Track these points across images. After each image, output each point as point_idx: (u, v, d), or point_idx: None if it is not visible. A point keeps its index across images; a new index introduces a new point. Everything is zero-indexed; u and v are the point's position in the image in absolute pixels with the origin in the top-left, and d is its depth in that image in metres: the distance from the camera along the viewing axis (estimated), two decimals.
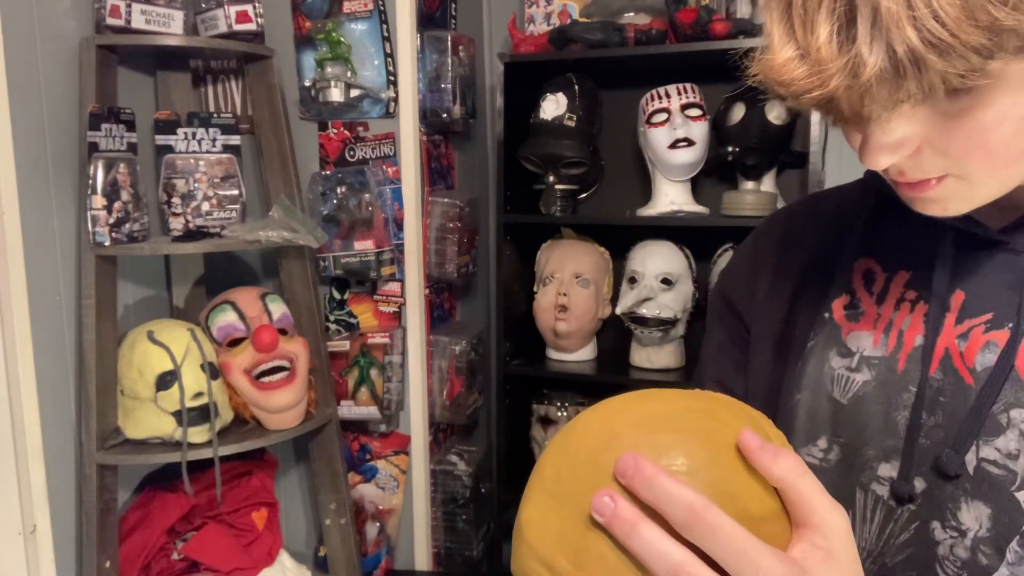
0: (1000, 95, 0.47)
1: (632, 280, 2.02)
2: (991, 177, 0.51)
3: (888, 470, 0.58)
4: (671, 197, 1.96)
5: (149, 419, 1.51)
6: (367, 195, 1.80)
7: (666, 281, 1.97)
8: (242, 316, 1.60)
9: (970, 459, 0.55)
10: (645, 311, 1.94)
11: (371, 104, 1.82)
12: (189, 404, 1.50)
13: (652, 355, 2.03)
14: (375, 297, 1.89)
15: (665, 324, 1.96)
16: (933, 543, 0.56)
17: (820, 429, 0.62)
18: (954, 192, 0.52)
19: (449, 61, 1.88)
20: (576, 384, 2.23)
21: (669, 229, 2.05)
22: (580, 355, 2.14)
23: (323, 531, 1.85)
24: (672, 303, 1.96)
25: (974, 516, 0.55)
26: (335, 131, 1.85)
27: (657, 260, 1.99)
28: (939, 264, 0.59)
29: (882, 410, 0.59)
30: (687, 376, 2.01)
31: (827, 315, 0.64)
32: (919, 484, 0.57)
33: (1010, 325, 0.56)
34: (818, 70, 0.45)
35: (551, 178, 2.03)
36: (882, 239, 0.64)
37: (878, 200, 0.65)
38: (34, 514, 1.40)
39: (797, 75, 0.46)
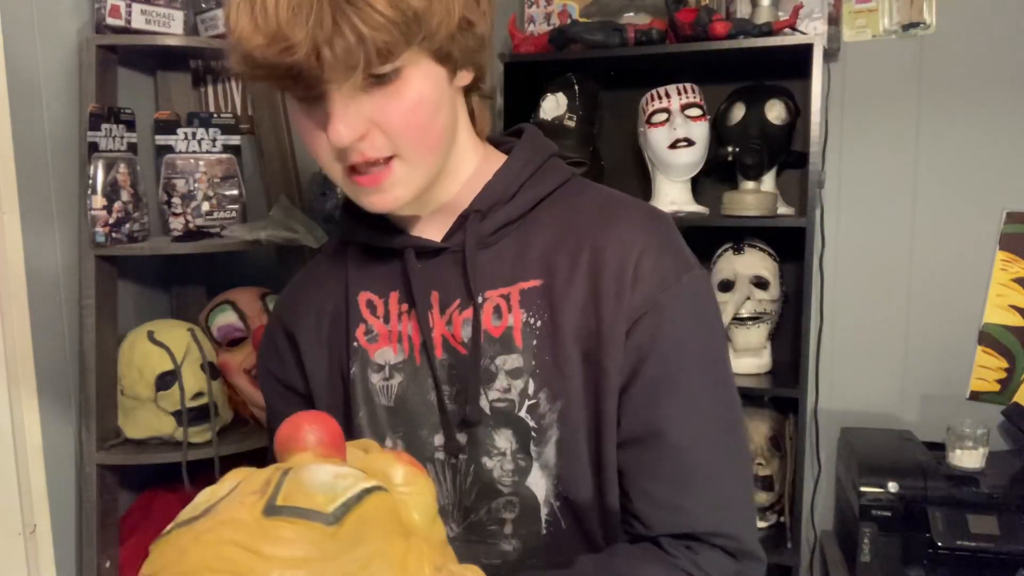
0: (417, 78, 0.65)
1: None
2: (424, 159, 0.69)
3: (440, 439, 0.76)
4: (671, 197, 1.96)
5: (149, 419, 1.51)
6: None
7: None
8: (242, 316, 1.60)
9: (484, 404, 0.74)
10: None
11: None
12: (189, 404, 1.50)
13: None
14: None
15: None
16: (488, 471, 0.76)
17: (383, 432, 0.78)
18: (400, 179, 0.68)
19: None
20: None
21: None
22: None
23: None
24: None
25: (504, 439, 0.75)
26: None
27: None
28: (412, 277, 0.76)
29: (419, 399, 0.77)
30: None
31: (355, 344, 0.79)
32: (462, 438, 0.76)
33: (471, 303, 0.74)
34: (286, 42, 0.58)
35: None
36: (367, 273, 0.80)
37: (353, 248, 0.83)
38: (34, 514, 1.40)
39: (261, 44, 0.59)
